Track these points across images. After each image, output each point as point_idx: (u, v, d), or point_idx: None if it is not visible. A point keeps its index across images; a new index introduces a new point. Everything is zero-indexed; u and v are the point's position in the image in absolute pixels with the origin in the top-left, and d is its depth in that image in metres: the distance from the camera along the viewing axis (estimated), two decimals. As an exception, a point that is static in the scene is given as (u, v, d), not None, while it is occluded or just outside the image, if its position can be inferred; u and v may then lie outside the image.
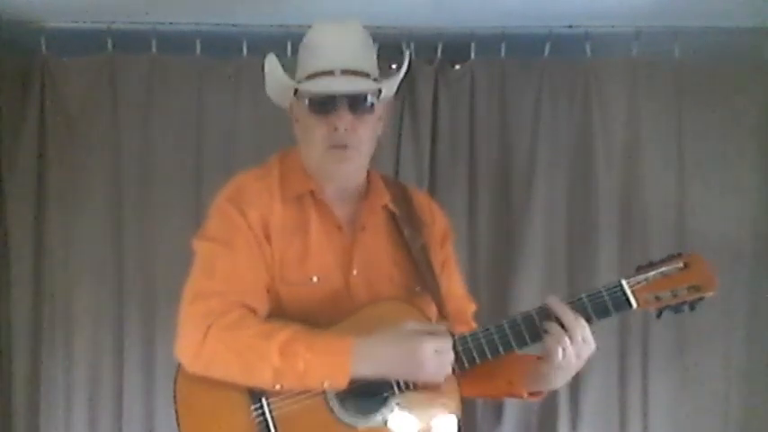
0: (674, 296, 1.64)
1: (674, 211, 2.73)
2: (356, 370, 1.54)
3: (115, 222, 2.73)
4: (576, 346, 1.59)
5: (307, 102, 1.67)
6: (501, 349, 1.63)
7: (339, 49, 1.67)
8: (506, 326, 1.63)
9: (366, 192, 1.78)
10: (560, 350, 1.58)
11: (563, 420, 2.71)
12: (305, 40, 1.73)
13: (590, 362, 2.60)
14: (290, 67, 1.76)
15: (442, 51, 2.70)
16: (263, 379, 1.58)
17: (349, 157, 1.69)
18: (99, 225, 2.73)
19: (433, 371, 1.56)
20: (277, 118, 2.69)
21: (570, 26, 2.67)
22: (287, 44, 2.67)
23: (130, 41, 2.67)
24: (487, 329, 1.64)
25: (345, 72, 1.65)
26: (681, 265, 1.65)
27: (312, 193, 1.72)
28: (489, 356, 1.63)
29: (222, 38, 2.67)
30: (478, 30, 2.70)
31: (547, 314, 1.62)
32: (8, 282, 2.72)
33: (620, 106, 2.74)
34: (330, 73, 1.65)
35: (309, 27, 1.75)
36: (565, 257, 2.75)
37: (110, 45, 2.69)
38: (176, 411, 1.67)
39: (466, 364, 1.62)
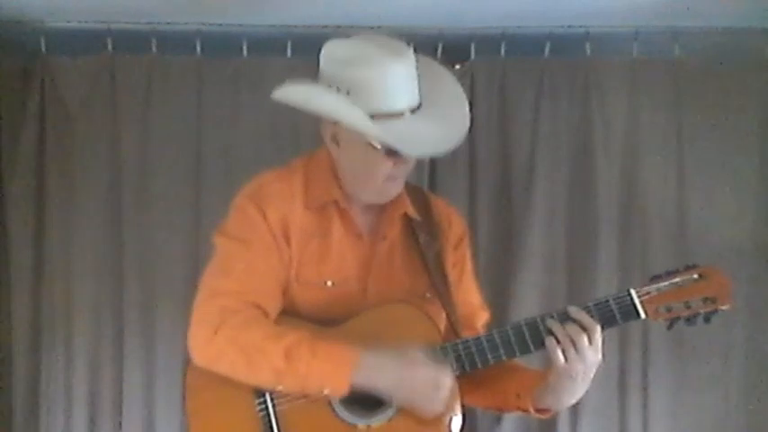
0: (688, 307, 1.61)
1: (673, 210, 2.73)
2: (356, 381, 1.55)
3: (115, 222, 2.73)
4: (581, 350, 1.58)
5: (380, 146, 1.60)
6: (503, 353, 1.62)
7: (404, 88, 1.60)
8: (510, 331, 1.63)
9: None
10: (560, 352, 1.58)
11: (563, 420, 2.71)
12: (361, 72, 1.58)
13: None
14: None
15: (442, 51, 2.69)
16: (265, 379, 1.60)
17: (400, 186, 1.71)
18: (99, 225, 2.72)
19: (425, 403, 1.57)
20: (277, 118, 2.72)
21: (570, 26, 2.67)
22: (287, 44, 2.69)
23: (130, 41, 2.67)
24: (491, 334, 1.64)
25: (412, 111, 1.61)
26: (696, 276, 1.62)
27: (336, 202, 1.71)
28: (491, 360, 1.62)
29: (222, 38, 2.67)
30: (478, 30, 2.70)
31: (551, 318, 1.61)
32: (8, 282, 2.72)
33: (620, 106, 2.75)
34: (400, 115, 1.59)
35: (340, 42, 1.64)
36: (565, 257, 2.75)
37: (110, 45, 2.69)
38: (184, 399, 1.69)
39: (467, 368, 1.62)
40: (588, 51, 2.72)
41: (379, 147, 1.60)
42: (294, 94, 1.66)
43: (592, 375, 1.62)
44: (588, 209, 2.74)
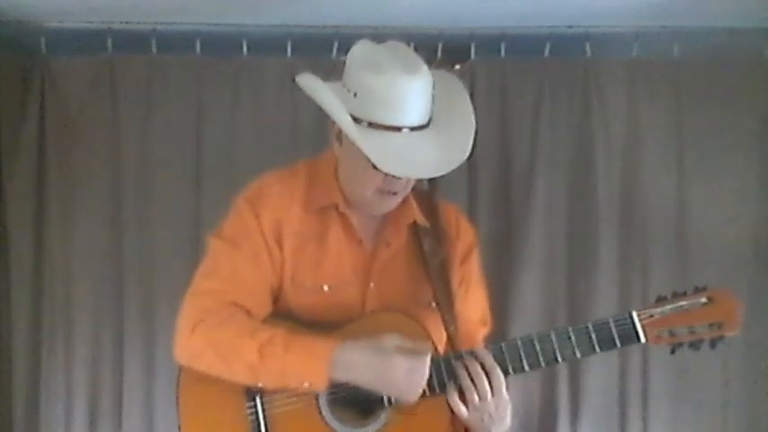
0: (692, 333, 1.57)
1: (673, 210, 2.73)
2: (333, 374, 1.56)
3: (115, 222, 2.73)
4: (483, 394, 1.57)
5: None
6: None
7: (410, 104, 1.57)
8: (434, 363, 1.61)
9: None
10: (460, 403, 1.58)
11: (563, 421, 2.71)
12: (369, 78, 1.57)
13: (590, 362, 2.67)
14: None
15: (442, 51, 2.69)
16: (242, 376, 1.61)
17: (397, 201, 1.69)
18: (99, 225, 2.72)
19: (402, 389, 1.56)
20: (277, 118, 2.72)
21: (570, 26, 2.67)
22: (287, 44, 2.68)
23: (130, 41, 2.67)
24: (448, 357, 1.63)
25: (413, 129, 1.59)
26: (704, 299, 1.58)
27: (336, 206, 1.71)
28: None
29: (222, 38, 2.67)
30: (478, 30, 2.70)
31: (456, 359, 1.60)
32: (8, 282, 2.72)
33: (620, 106, 2.74)
34: (398, 129, 1.58)
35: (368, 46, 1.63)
36: (565, 257, 2.75)
37: (110, 45, 2.69)
38: (177, 401, 1.70)
39: (436, 389, 1.62)
40: (588, 51, 2.72)
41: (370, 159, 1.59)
42: (306, 83, 1.66)
43: (504, 417, 1.61)
44: (588, 209, 2.74)
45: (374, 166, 1.58)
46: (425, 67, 1.61)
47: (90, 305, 2.72)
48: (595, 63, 2.74)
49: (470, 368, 1.59)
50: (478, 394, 1.57)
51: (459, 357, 1.61)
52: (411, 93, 1.57)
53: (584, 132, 2.75)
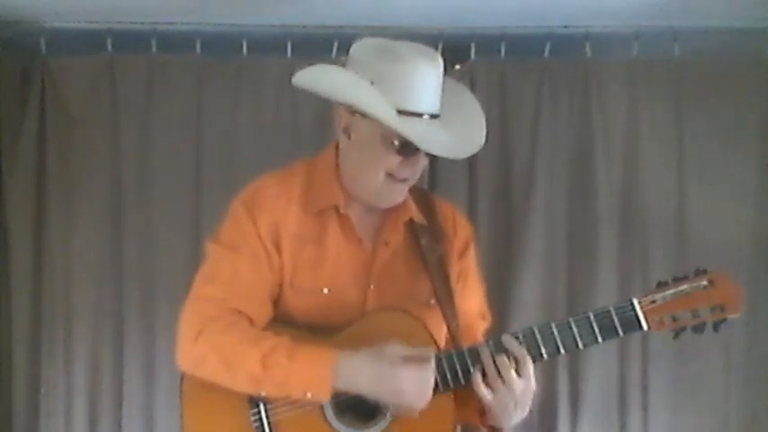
0: (695, 317, 1.56)
1: (673, 211, 2.73)
2: (337, 384, 1.55)
3: (115, 222, 2.73)
4: (509, 382, 1.56)
5: (396, 142, 1.59)
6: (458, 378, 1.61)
7: (429, 92, 1.61)
8: (446, 358, 1.61)
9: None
10: (484, 388, 1.56)
11: (563, 420, 2.71)
12: (392, 65, 1.58)
13: (590, 360, 2.67)
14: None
15: (442, 51, 2.67)
16: (244, 385, 1.60)
17: (405, 190, 1.70)
18: (99, 225, 2.73)
19: (409, 400, 1.56)
20: (277, 118, 2.72)
21: (570, 26, 2.67)
22: (287, 44, 2.69)
23: (130, 41, 2.67)
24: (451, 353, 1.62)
25: (432, 116, 1.61)
26: (705, 282, 1.57)
27: (336, 207, 1.70)
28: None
29: (222, 38, 2.67)
30: (478, 30, 2.70)
31: (483, 347, 1.59)
32: (8, 282, 2.72)
33: (620, 106, 2.74)
34: (419, 115, 1.59)
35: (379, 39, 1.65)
36: (565, 258, 2.75)
37: (110, 45, 2.69)
38: (181, 407, 1.69)
39: (450, 384, 1.61)
40: (588, 51, 2.72)
41: (395, 142, 1.59)
42: (320, 77, 1.65)
43: (527, 403, 1.60)
44: (588, 209, 2.74)
45: (397, 151, 1.59)
46: (440, 57, 1.63)
47: (90, 305, 2.72)
48: (595, 63, 2.74)
49: (498, 357, 1.57)
50: (503, 380, 1.55)
51: (485, 346, 1.59)
52: (431, 81, 1.61)
53: (584, 132, 2.75)
